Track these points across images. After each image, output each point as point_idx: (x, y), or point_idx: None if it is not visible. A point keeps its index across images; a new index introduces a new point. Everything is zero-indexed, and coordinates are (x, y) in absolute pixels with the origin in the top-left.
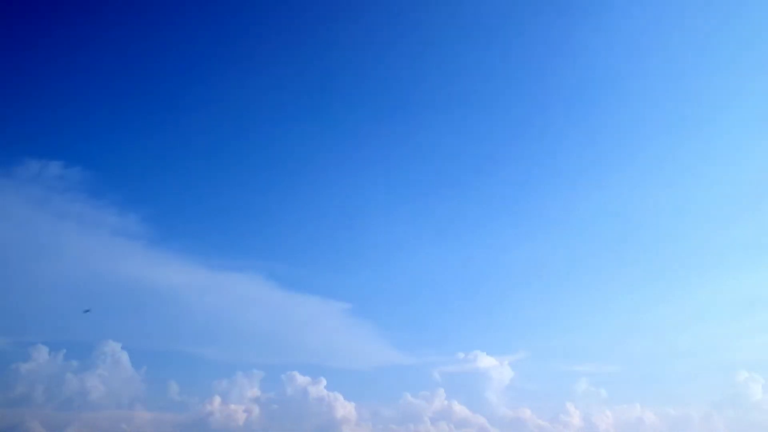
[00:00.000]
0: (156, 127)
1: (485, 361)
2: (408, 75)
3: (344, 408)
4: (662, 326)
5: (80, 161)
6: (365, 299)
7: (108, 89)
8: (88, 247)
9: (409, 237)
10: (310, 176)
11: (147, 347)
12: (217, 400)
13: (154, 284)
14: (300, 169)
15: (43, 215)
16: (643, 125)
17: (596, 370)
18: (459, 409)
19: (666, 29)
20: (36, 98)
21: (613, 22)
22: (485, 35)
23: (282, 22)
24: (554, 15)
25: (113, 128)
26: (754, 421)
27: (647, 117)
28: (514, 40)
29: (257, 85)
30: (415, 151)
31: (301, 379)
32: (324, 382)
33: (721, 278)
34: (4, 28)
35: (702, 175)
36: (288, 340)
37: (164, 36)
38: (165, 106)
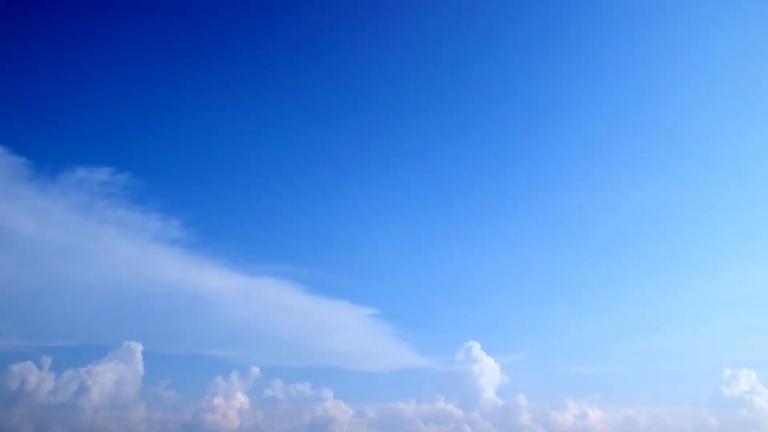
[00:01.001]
0: (199, 134)
1: (486, 362)
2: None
3: (340, 410)
4: (653, 327)
5: (127, 167)
6: (391, 303)
7: (159, 98)
8: (127, 252)
9: (431, 241)
10: (346, 183)
11: (172, 351)
12: (221, 400)
13: (187, 288)
14: (334, 177)
15: (85, 221)
16: (636, 125)
17: (590, 370)
18: (457, 410)
19: (661, 26)
20: (86, 105)
21: (608, 20)
22: (475, 35)
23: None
24: (547, 14)
25: (159, 135)
26: (744, 420)
27: (638, 117)
28: (505, 40)
29: (292, 93)
30: (422, 158)
31: (303, 383)
32: (308, 384)
33: (712, 279)
34: (53, 36)
35: (692, 179)
36: (311, 343)
37: (204, 47)
38: (207, 115)
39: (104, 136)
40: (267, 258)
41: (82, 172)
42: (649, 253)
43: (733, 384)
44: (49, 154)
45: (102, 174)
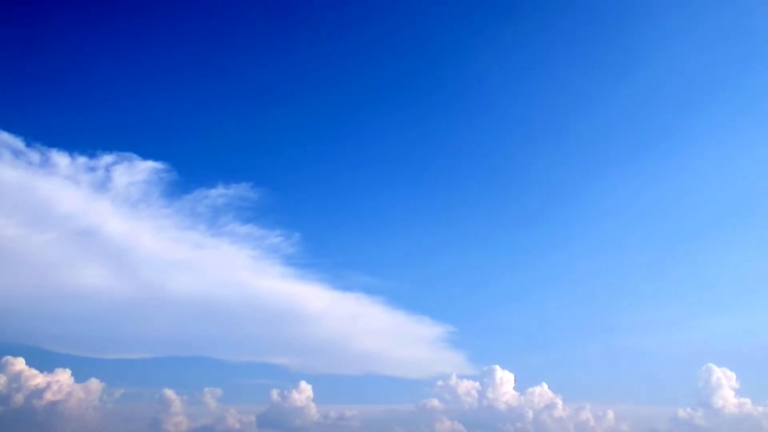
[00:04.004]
0: (327, 150)
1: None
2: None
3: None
4: (632, 327)
5: (264, 183)
6: (466, 318)
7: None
8: (233, 266)
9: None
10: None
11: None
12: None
13: (280, 302)
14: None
15: (201, 236)
16: (635, 128)
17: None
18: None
19: (668, 26)
20: (228, 126)
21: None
22: (493, 34)
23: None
24: (557, 14)
25: (286, 150)
26: (720, 417)
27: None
28: (520, 38)
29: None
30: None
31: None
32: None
33: (692, 279)
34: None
35: (684, 185)
36: (375, 354)
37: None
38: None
39: (244, 153)
40: (358, 272)
41: (219, 188)
42: (631, 255)
43: (708, 382)
44: (198, 170)
45: (236, 189)
